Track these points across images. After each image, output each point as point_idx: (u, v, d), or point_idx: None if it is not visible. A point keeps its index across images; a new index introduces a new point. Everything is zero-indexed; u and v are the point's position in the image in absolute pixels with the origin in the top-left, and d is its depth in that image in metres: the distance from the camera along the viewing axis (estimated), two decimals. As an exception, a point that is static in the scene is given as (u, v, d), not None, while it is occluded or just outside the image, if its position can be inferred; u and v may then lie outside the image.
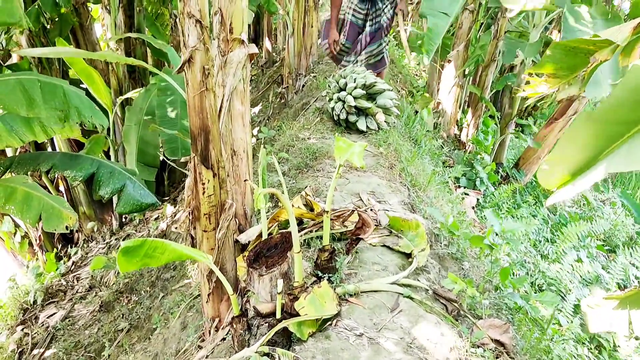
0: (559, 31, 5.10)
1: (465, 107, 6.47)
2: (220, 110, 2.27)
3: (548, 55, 2.24)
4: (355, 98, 4.20)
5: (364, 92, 4.21)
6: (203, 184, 1.98)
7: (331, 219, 2.59)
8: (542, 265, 4.58)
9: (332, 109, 4.39)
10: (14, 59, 5.89)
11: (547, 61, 2.27)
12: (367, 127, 4.28)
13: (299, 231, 2.68)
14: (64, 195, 6.47)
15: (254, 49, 2.40)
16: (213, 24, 2.29)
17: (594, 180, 1.76)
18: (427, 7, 4.52)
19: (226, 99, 2.30)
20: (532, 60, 5.65)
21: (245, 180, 2.48)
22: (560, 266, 4.72)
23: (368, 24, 4.76)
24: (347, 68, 4.53)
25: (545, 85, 2.50)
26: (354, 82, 4.27)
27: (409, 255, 2.53)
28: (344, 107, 4.27)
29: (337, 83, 4.41)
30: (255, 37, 11.52)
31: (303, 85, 6.01)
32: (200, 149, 1.93)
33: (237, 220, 2.59)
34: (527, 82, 2.65)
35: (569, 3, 4.34)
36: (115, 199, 4.51)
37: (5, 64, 5.47)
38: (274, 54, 9.62)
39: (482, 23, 6.17)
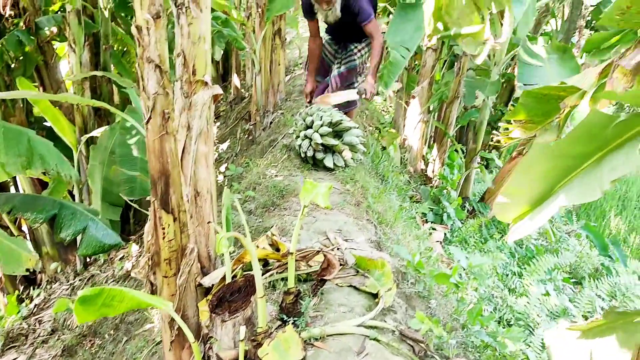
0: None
1: (431, 143, 6.56)
2: (183, 151, 2.25)
3: (521, 103, 2.30)
4: (321, 135, 4.22)
5: (331, 129, 4.23)
6: (163, 228, 1.94)
7: (297, 260, 2.56)
8: (509, 300, 4.60)
9: (299, 146, 4.40)
10: (-24, 98, 5.80)
11: (521, 108, 2.32)
12: (334, 164, 4.29)
13: (265, 272, 2.65)
14: (27, 235, 6.31)
15: (217, 90, 2.40)
16: (176, 66, 2.29)
17: (550, 214, 1.80)
18: (390, 41, 4.60)
19: (193, 141, 2.29)
20: (496, 98, 5.80)
21: (208, 222, 2.44)
22: (527, 300, 4.76)
23: (336, 66, 4.76)
24: (313, 106, 4.55)
25: (521, 131, 2.55)
26: (321, 119, 4.29)
27: (375, 295, 2.51)
28: (310, 145, 4.28)
29: (304, 121, 4.43)
30: (224, 74, 11.57)
31: (271, 122, 6.03)
32: (160, 193, 1.90)
33: (200, 262, 2.54)
34: (506, 129, 2.71)
35: (525, 40, 4.49)
36: (79, 239, 4.41)
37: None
38: (242, 90, 9.64)
39: (445, 61, 6.31)
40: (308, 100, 4.93)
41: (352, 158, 4.33)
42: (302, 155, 4.38)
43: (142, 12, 1.69)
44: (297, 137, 4.47)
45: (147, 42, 1.71)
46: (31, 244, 6.30)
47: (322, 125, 4.26)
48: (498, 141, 2.86)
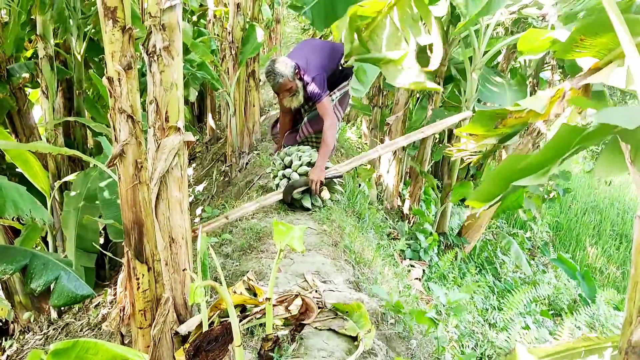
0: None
1: (407, 179, 6.62)
2: (157, 199, 2.24)
3: (473, 121, 2.39)
4: (300, 175, 4.24)
5: (309, 169, 4.24)
6: (137, 278, 1.92)
7: (275, 305, 2.54)
8: (490, 335, 4.59)
9: (277, 185, 4.40)
10: (-54, 145, 5.71)
11: (475, 125, 2.41)
12: (312, 204, 4.30)
13: (242, 318, 2.61)
14: (-1, 284, 6.15)
15: (190, 137, 2.40)
16: (148, 113, 2.29)
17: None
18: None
19: (155, 184, 2.27)
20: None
21: (184, 270, 2.41)
22: (508, 334, 4.75)
23: (306, 114, 4.76)
24: (291, 147, 4.57)
25: (473, 143, 2.62)
26: (299, 159, 4.31)
27: (355, 338, 2.48)
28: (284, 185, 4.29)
29: (282, 160, 4.44)
30: (199, 114, 11.60)
31: (247, 163, 6.03)
32: (134, 243, 1.88)
33: (176, 310, 2.50)
34: (458, 140, 2.78)
35: (488, 72, 4.64)
36: (52, 289, 4.32)
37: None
38: (217, 131, 9.66)
39: (418, 98, 6.42)
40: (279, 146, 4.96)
41: (330, 198, 4.33)
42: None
43: (114, 64, 1.70)
44: (275, 176, 4.47)
45: (119, 92, 1.72)
46: (3, 293, 6.14)
47: (301, 165, 4.27)
48: (470, 176, 2.91)
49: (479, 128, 2.40)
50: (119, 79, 1.71)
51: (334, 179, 4.34)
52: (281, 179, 4.37)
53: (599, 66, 1.93)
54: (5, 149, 5.06)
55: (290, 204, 4.34)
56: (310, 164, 4.27)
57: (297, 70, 4.26)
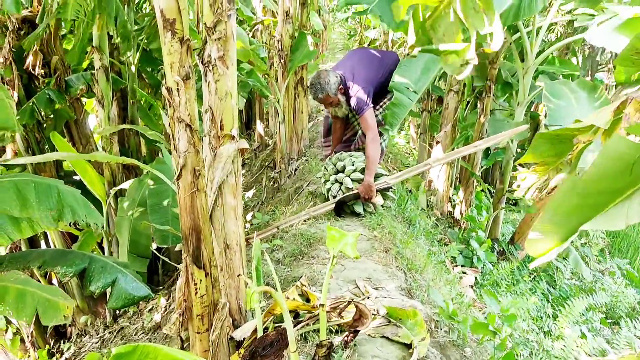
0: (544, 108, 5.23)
1: (457, 184, 6.52)
2: (212, 205, 2.28)
3: (533, 146, 2.28)
4: (353, 181, 4.25)
5: (362, 175, 4.26)
6: (195, 284, 1.95)
7: (328, 311, 2.54)
8: (545, 343, 4.46)
9: (329, 190, 4.41)
10: (8, 154, 5.96)
11: (533, 151, 2.31)
12: (364, 209, 4.29)
13: (295, 324, 2.62)
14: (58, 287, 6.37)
15: (244, 144, 2.44)
16: (204, 122, 2.34)
17: (571, 239, 1.77)
18: (396, 83, 4.60)
19: (213, 192, 2.31)
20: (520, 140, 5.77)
21: (239, 275, 2.45)
22: (564, 343, 4.61)
23: (358, 125, 4.82)
24: (344, 152, 4.60)
25: (535, 175, 2.53)
26: (353, 165, 4.33)
27: (409, 346, 2.46)
28: (340, 189, 4.30)
29: (335, 165, 4.46)
30: (248, 121, 11.74)
31: (295, 169, 6.07)
32: (192, 249, 1.92)
33: (231, 315, 2.53)
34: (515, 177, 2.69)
35: (549, 80, 4.47)
36: (109, 292, 4.45)
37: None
38: (266, 137, 9.76)
39: (468, 102, 6.33)
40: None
41: (382, 205, 4.32)
42: (330, 199, 4.39)
43: (172, 74, 1.74)
44: (326, 181, 4.49)
45: (178, 102, 1.76)
46: (62, 297, 6.36)
47: (354, 171, 4.29)
48: (515, 186, 2.83)
49: (539, 155, 2.30)
50: (178, 89, 1.75)
51: (385, 182, 4.34)
52: (333, 184, 4.38)
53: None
54: (68, 159, 5.25)
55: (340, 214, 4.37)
56: (363, 171, 4.29)
57: (340, 85, 4.33)
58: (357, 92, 4.33)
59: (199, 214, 1.87)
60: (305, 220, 4.22)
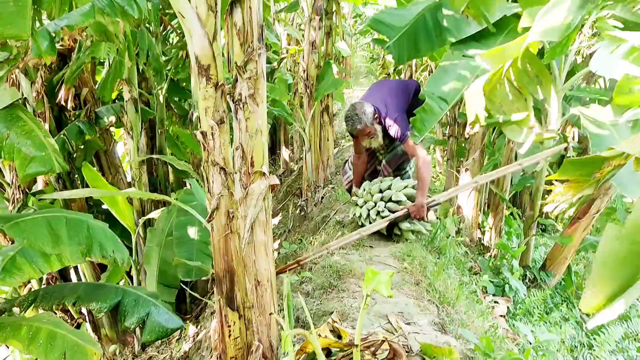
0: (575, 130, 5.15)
1: (486, 210, 6.44)
2: (243, 242, 2.27)
3: (563, 167, 2.26)
4: (398, 199, 4.36)
5: (413, 191, 4.40)
6: (229, 326, 1.94)
7: (361, 350, 2.50)
8: (583, 376, 4.34)
9: (367, 212, 4.43)
10: (39, 184, 6.06)
11: (563, 171, 2.29)
12: (412, 231, 4.41)
13: (328, 363, 2.59)
14: (87, 317, 6.41)
15: (275, 180, 2.44)
16: (235, 159, 2.34)
17: (629, 302, 1.71)
18: (428, 91, 4.59)
19: (247, 230, 2.30)
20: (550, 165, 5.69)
21: (270, 314, 2.43)
22: (601, 374, 4.48)
23: (383, 157, 4.91)
24: (369, 182, 4.64)
25: (569, 193, 2.49)
26: (398, 183, 4.50)
27: (445, 385, 2.40)
28: (385, 208, 4.34)
29: (369, 190, 4.52)
30: (272, 147, 11.82)
31: (322, 197, 6.07)
32: (226, 291, 1.91)
33: (263, 354, 2.51)
34: (549, 192, 2.64)
35: (581, 109, 4.40)
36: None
37: (31, 191, 5.62)
38: (291, 163, 9.81)
39: (495, 127, 6.27)
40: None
41: (427, 229, 4.48)
42: (366, 224, 4.38)
43: (207, 119, 1.75)
44: (362, 206, 4.49)
45: (212, 146, 1.77)
46: (90, 326, 6.40)
47: (405, 187, 4.47)
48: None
49: (571, 174, 2.28)
50: (212, 133, 1.76)
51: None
52: (377, 202, 4.41)
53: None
54: (96, 183, 5.32)
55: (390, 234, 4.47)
56: (414, 187, 4.40)
57: (376, 115, 4.36)
58: (395, 120, 4.41)
59: (233, 256, 1.87)
60: (333, 252, 4.19)
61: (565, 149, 7.54)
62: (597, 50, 3.56)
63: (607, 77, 3.37)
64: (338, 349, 2.68)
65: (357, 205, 4.57)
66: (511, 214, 6.87)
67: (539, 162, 4.44)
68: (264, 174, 2.36)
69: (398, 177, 4.66)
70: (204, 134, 1.76)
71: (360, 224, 4.46)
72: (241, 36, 2.18)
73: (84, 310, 6.47)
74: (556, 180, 3.01)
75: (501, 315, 4.62)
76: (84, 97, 6.12)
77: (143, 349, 6.21)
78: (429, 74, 9.31)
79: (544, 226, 7.69)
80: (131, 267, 5.84)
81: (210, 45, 1.70)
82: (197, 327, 5.78)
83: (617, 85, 2.76)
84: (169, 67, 6.62)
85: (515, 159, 5.65)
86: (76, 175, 6.27)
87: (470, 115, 2.93)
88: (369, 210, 4.41)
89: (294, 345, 2.66)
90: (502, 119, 2.90)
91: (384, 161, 4.84)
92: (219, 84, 1.74)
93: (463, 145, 6.69)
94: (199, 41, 1.68)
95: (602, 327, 5.56)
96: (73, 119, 6.16)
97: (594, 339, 5.21)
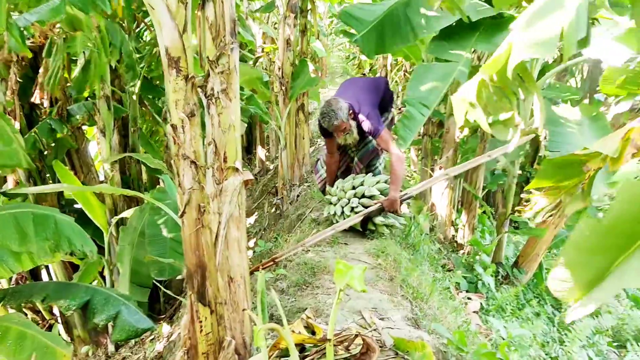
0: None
1: (459, 207, 6.49)
2: (216, 238, 2.25)
3: (542, 171, 2.28)
4: (372, 193, 4.39)
5: (386, 186, 4.43)
6: (200, 322, 1.92)
7: (334, 345, 2.50)
8: (554, 370, 4.41)
9: (342, 209, 4.43)
10: (10, 183, 5.94)
11: (542, 176, 2.30)
12: (387, 225, 4.43)
13: (302, 359, 2.58)
14: (59, 318, 6.31)
15: (248, 175, 2.42)
16: (207, 154, 2.32)
17: (609, 295, 1.76)
18: (408, 98, 4.62)
19: (222, 227, 2.29)
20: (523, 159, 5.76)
21: (243, 310, 2.41)
22: (572, 368, 4.55)
23: (356, 154, 4.94)
24: (342, 180, 4.65)
25: (545, 199, 2.52)
26: (370, 178, 4.53)
27: (417, 380, 2.42)
28: (359, 204, 4.37)
29: (342, 188, 4.54)
30: (248, 146, 11.76)
31: (298, 196, 6.06)
32: (197, 286, 1.89)
33: (235, 349, 2.49)
34: (527, 200, 2.68)
35: (549, 109, 4.48)
36: (111, 323, 4.42)
37: (1, 190, 5.51)
38: (267, 162, 9.78)
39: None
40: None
41: (400, 223, 4.50)
42: (340, 221, 4.40)
43: (177, 112, 1.74)
44: (336, 203, 4.50)
45: (183, 139, 1.75)
46: (63, 327, 6.30)
47: (378, 182, 4.51)
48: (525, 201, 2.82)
49: (548, 181, 2.29)
50: (183, 126, 1.75)
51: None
52: (350, 199, 4.44)
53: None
54: (68, 181, 5.24)
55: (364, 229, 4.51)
56: (387, 182, 4.43)
57: (350, 111, 4.37)
58: (368, 116, 4.42)
59: (204, 250, 1.85)
60: (308, 249, 4.19)
61: (537, 149, 7.66)
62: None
63: (616, 64, 3.43)
64: (312, 345, 2.67)
65: (331, 203, 4.58)
66: (484, 212, 6.95)
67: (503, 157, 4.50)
68: (237, 169, 2.34)
69: (370, 174, 4.68)
70: (174, 127, 1.74)
71: (335, 221, 4.47)
72: (213, 30, 2.16)
73: (56, 311, 6.37)
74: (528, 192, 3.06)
75: (474, 311, 4.66)
76: (56, 95, 6.01)
77: (116, 350, 6.13)
78: (404, 74, 9.37)
79: (516, 224, 7.79)
80: (104, 267, 5.76)
81: (180, 37, 1.69)
82: (171, 326, 5.73)
83: (604, 76, 2.82)
84: (142, 65, 6.54)
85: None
86: (47, 175, 6.16)
87: (459, 119, 2.96)
88: (342, 208, 4.43)
89: (267, 341, 2.66)
90: (490, 120, 2.93)
91: (356, 158, 4.87)
92: (189, 76, 1.72)
93: (437, 144, 6.73)
94: (169, 33, 1.66)
95: (573, 322, 5.66)
96: (44, 116, 6.05)
97: (565, 334, 5.29)
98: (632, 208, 1.70)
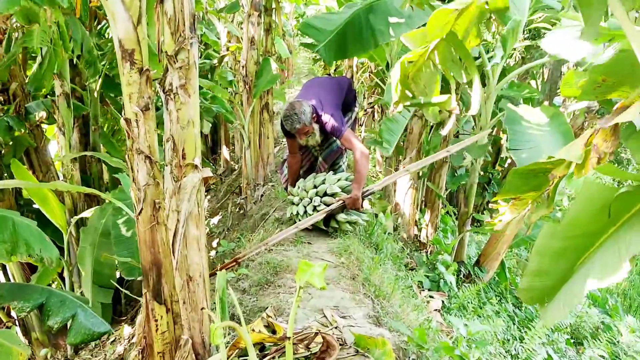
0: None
1: (423, 207, 6.56)
2: (174, 237, 2.22)
3: (508, 182, 2.30)
4: (334, 191, 4.39)
5: (348, 184, 4.44)
6: (156, 320, 1.88)
7: (294, 343, 2.49)
8: (513, 367, 4.48)
9: (304, 208, 4.43)
10: (-35, 183, 5.75)
11: (509, 187, 2.32)
12: (352, 223, 4.47)
13: (261, 357, 2.56)
14: (16, 321, 6.14)
15: (207, 172, 2.39)
16: (165, 151, 2.28)
17: (578, 298, 1.79)
18: (388, 102, 4.67)
19: (181, 225, 2.25)
20: (484, 160, 5.84)
21: (202, 309, 2.38)
22: (531, 366, 4.64)
23: (320, 154, 4.96)
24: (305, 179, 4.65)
25: (514, 211, 2.54)
26: (332, 176, 4.54)
27: (377, 377, 2.42)
28: (321, 202, 4.38)
29: (304, 187, 4.53)
30: (213, 146, 11.66)
31: (262, 195, 6.03)
32: (153, 284, 1.86)
33: (194, 350, 2.46)
34: (496, 210, 2.71)
35: (510, 105, 4.56)
36: (68, 326, 4.31)
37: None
38: (232, 162, 9.71)
39: (431, 126, 6.40)
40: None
41: (363, 219, 4.52)
42: (303, 213, 4.40)
43: (131, 105, 1.70)
44: (298, 204, 4.50)
45: (137, 134, 1.72)
46: (20, 330, 6.12)
47: (339, 180, 4.51)
48: (486, 202, 2.86)
49: (516, 190, 2.32)
50: (137, 120, 1.71)
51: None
52: (312, 197, 4.44)
53: (626, 105, 1.87)
54: (26, 187, 5.10)
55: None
56: (348, 179, 4.46)
57: (314, 115, 4.41)
58: (331, 118, 4.42)
59: (160, 248, 1.82)
60: (270, 248, 4.17)
61: (499, 151, 7.79)
62: (552, 33, 3.69)
63: (571, 60, 3.50)
64: (272, 344, 2.66)
65: (293, 203, 4.57)
66: (447, 212, 7.03)
67: (468, 156, 4.56)
68: (196, 166, 2.31)
69: (331, 172, 4.69)
70: (127, 121, 1.70)
71: (297, 221, 4.46)
72: (172, 25, 2.13)
73: (14, 314, 6.19)
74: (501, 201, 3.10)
75: (436, 310, 4.71)
76: (13, 92, 5.85)
77: (76, 353, 5.99)
78: (369, 75, 9.41)
79: (479, 224, 7.91)
80: (63, 268, 5.62)
81: (135, 29, 1.65)
82: (132, 328, 5.62)
83: (564, 80, 2.88)
84: (104, 62, 6.41)
85: (450, 157, 5.79)
86: (5, 174, 5.99)
87: (395, 94, 2.98)
88: (305, 207, 4.42)
89: (228, 342, 2.63)
90: (424, 101, 2.95)
91: (320, 158, 4.88)
92: (144, 69, 1.69)
93: (401, 144, 6.79)
94: (123, 24, 1.62)
95: (533, 320, 5.77)
96: (1, 114, 5.87)
97: (525, 332, 5.39)
98: (591, 207, 1.74)
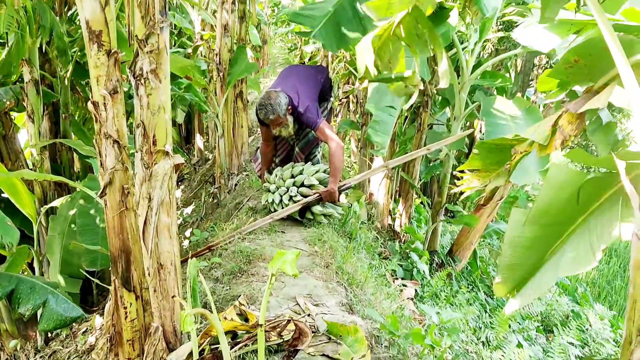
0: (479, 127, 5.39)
1: (397, 197, 6.60)
2: (145, 224, 2.18)
3: (475, 154, 2.33)
4: (308, 184, 4.39)
5: (325, 175, 4.45)
6: (125, 307, 1.86)
7: (267, 331, 2.48)
8: (484, 354, 4.54)
9: (280, 198, 4.42)
10: None
11: (475, 158, 2.35)
12: (328, 216, 4.50)
13: (233, 345, 2.55)
14: (-16, 312, 6.02)
15: (179, 159, 2.36)
16: (135, 137, 2.25)
17: (547, 286, 1.80)
18: (373, 105, 4.66)
19: (153, 212, 2.22)
20: (459, 151, 5.89)
21: (173, 297, 2.35)
22: (502, 353, 4.71)
23: (297, 143, 4.94)
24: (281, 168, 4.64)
25: (477, 180, 2.58)
26: (309, 167, 4.53)
27: (349, 363, 2.42)
28: (298, 193, 4.37)
29: (281, 177, 4.52)
30: (187, 135, 11.56)
31: (235, 184, 5.99)
32: (121, 271, 1.83)
33: (166, 338, 2.43)
34: (459, 178, 2.74)
35: (485, 97, 4.59)
36: (39, 314, 4.24)
37: None
38: (206, 152, 9.62)
39: (406, 117, 6.43)
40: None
41: (338, 212, 4.55)
42: (278, 210, 4.38)
43: (99, 88, 1.66)
44: (275, 191, 4.48)
45: (105, 117, 1.68)
46: (-12, 321, 6.02)
47: (317, 172, 4.50)
48: (459, 192, 2.89)
49: (479, 162, 2.35)
50: (105, 103, 1.68)
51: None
52: (289, 187, 4.44)
53: (595, 89, 1.89)
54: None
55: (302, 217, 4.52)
56: (326, 172, 4.46)
57: (289, 107, 4.37)
58: (307, 110, 4.40)
59: (129, 234, 1.79)
60: (244, 237, 4.15)
61: (472, 142, 7.85)
62: (522, 24, 3.72)
63: (543, 50, 3.54)
64: (244, 332, 2.65)
65: (269, 191, 4.55)
66: (422, 202, 7.08)
67: (444, 148, 4.59)
68: (167, 153, 2.27)
69: (309, 163, 4.68)
70: (95, 104, 1.66)
71: (272, 209, 4.45)
72: (142, 8, 2.08)
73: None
74: (467, 170, 3.13)
75: (409, 298, 4.75)
76: (-20, 79, 5.71)
77: (46, 344, 5.90)
78: (344, 64, 9.40)
79: (452, 214, 7.99)
80: (33, 257, 5.53)
81: (102, 10, 1.61)
82: (103, 318, 5.56)
83: (540, 79, 2.91)
84: (74, 49, 6.28)
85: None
86: (-28, 162, 5.85)
87: (361, 69, 2.97)
88: (281, 196, 4.41)
89: (200, 330, 2.61)
90: (390, 76, 2.95)
91: (297, 148, 4.86)
92: (112, 51, 1.65)
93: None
94: (89, 4, 1.58)
95: (503, 308, 5.85)
96: (-32, 101, 5.73)
97: (497, 320, 5.47)
98: (560, 194, 1.75)
